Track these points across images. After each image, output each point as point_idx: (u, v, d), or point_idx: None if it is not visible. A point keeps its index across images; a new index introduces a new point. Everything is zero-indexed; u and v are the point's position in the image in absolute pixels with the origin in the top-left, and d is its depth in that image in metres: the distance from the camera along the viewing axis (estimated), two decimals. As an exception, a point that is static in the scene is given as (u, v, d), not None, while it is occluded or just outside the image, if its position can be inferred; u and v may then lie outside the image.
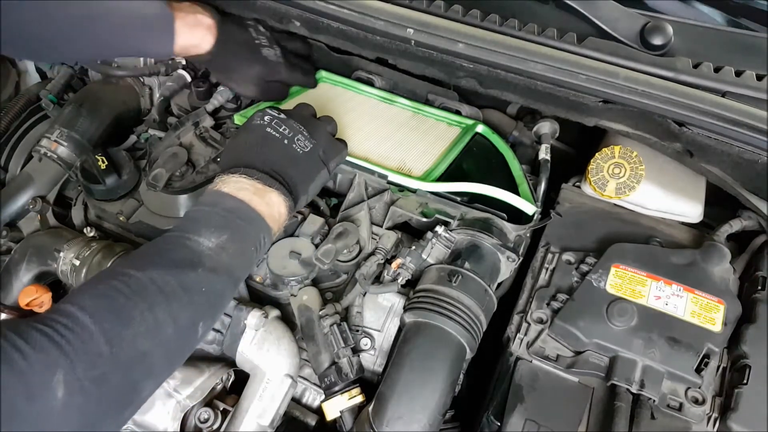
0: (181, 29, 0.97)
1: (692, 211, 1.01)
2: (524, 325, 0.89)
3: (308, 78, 1.24)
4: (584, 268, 0.93)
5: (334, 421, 0.90)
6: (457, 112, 1.26)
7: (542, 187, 1.06)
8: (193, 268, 0.70)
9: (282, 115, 0.90)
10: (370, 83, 1.30)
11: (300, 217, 1.05)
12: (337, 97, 1.27)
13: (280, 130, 0.88)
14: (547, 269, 0.95)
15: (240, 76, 1.11)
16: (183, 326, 0.68)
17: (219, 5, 1.11)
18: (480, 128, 1.20)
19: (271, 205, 0.82)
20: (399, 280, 0.93)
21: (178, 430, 0.86)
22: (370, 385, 0.93)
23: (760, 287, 0.89)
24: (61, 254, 1.01)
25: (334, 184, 1.13)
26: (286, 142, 0.88)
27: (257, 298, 1.00)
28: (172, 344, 0.67)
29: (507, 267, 0.98)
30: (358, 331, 0.93)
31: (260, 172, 0.82)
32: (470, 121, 1.22)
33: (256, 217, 0.79)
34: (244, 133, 0.90)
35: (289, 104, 1.26)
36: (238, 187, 0.80)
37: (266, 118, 0.89)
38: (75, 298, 0.63)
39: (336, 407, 0.89)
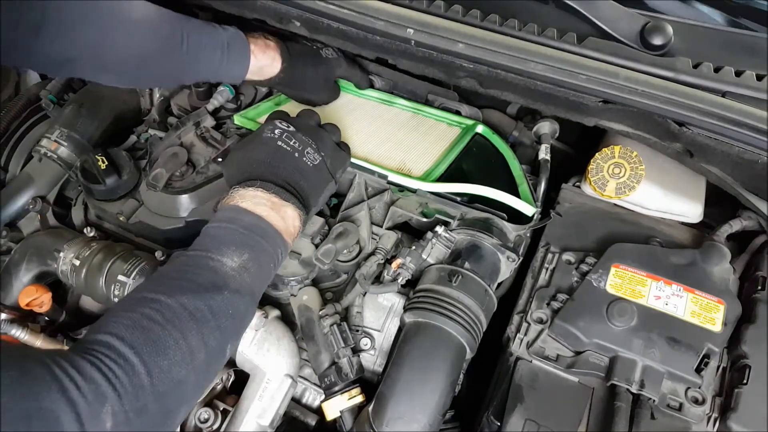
0: (255, 51, 1.03)
1: (692, 211, 1.01)
2: (524, 325, 0.89)
3: (364, 76, 1.26)
4: (584, 268, 0.93)
5: (334, 421, 0.90)
6: (457, 113, 1.26)
7: (542, 187, 1.06)
8: (219, 291, 0.71)
9: (291, 128, 0.91)
10: (371, 84, 1.31)
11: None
12: (338, 99, 1.27)
13: (291, 143, 0.89)
14: (547, 269, 0.95)
15: (313, 83, 1.17)
16: (213, 351, 0.69)
17: (219, 6, 1.11)
18: (480, 128, 1.20)
19: (286, 219, 0.83)
20: (399, 280, 0.93)
21: (178, 430, 0.86)
22: (370, 385, 0.93)
23: (760, 287, 0.89)
24: (61, 254, 1.01)
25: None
26: (296, 155, 0.88)
27: (257, 298, 1.00)
28: (203, 369, 0.68)
29: (507, 267, 0.98)
30: (358, 331, 0.93)
31: (276, 186, 0.83)
32: (470, 122, 1.22)
33: (273, 233, 0.80)
34: (255, 145, 0.89)
35: (293, 103, 1.26)
36: (255, 202, 0.81)
37: (276, 131, 0.89)
38: (111, 327, 0.63)
39: (336, 407, 0.89)
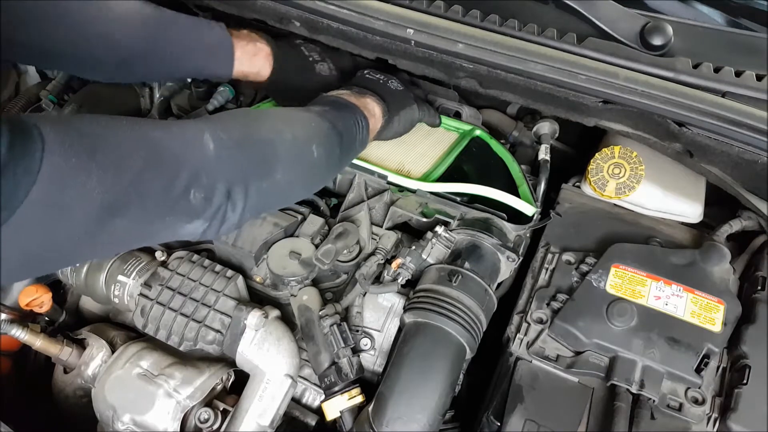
0: (241, 58, 1.02)
1: (692, 211, 1.01)
2: (524, 325, 0.89)
3: None
4: (584, 268, 0.93)
5: (334, 421, 0.90)
6: (457, 114, 1.26)
7: (542, 187, 1.06)
8: (304, 111, 0.88)
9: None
10: None
11: (300, 217, 1.05)
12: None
13: (376, 76, 1.08)
14: (547, 269, 0.95)
15: (301, 97, 1.16)
16: (300, 139, 0.82)
17: (219, 6, 1.11)
18: (478, 133, 1.20)
19: (366, 103, 0.98)
20: (399, 280, 0.93)
21: (178, 430, 0.87)
22: (370, 385, 0.93)
23: (760, 287, 0.89)
24: (61, 254, 1.01)
25: (334, 184, 1.13)
26: (381, 81, 1.07)
27: (257, 299, 1.00)
28: (290, 147, 0.80)
29: (507, 267, 0.98)
30: (358, 331, 0.93)
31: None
32: (468, 126, 1.22)
33: (350, 104, 0.94)
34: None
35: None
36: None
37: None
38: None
39: (336, 407, 0.89)
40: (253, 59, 1.04)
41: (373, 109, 0.99)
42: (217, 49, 1.00)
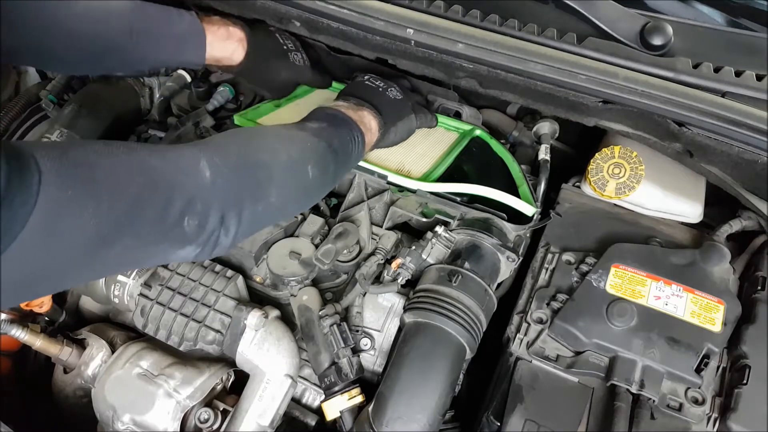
0: (213, 42, 1.01)
1: (692, 211, 1.01)
2: (524, 325, 0.89)
3: (326, 80, 1.29)
4: (584, 268, 0.93)
5: (334, 421, 0.90)
6: (457, 114, 1.26)
7: (542, 187, 1.06)
8: (300, 129, 0.86)
9: (378, 77, 1.09)
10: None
11: (300, 217, 1.05)
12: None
13: (376, 83, 1.07)
14: (547, 269, 0.95)
15: (272, 83, 1.18)
16: (295, 160, 0.81)
17: (219, 6, 1.11)
18: (478, 132, 1.20)
19: (362, 117, 0.97)
20: (399, 280, 0.93)
21: (178, 430, 0.87)
22: (370, 385, 0.93)
23: (760, 287, 0.89)
24: (61, 254, 1.01)
25: (334, 184, 1.13)
26: (380, 90, 1.05)
27: (257, 299, 1.00)
28: (285, 168, 0.80)
29: (507, 267, 0.98)
30: (358, 331, 0.93)
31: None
32: (468, 126, 1.22)
33: (348, 119, 0.93)
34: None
35: (293, 105, 1.26)
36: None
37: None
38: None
39: (336, 407, 0.89)
40: (225, 43, 1.04)
41: (369, 123, 0.98)
42: (188, 37, 0.99)
